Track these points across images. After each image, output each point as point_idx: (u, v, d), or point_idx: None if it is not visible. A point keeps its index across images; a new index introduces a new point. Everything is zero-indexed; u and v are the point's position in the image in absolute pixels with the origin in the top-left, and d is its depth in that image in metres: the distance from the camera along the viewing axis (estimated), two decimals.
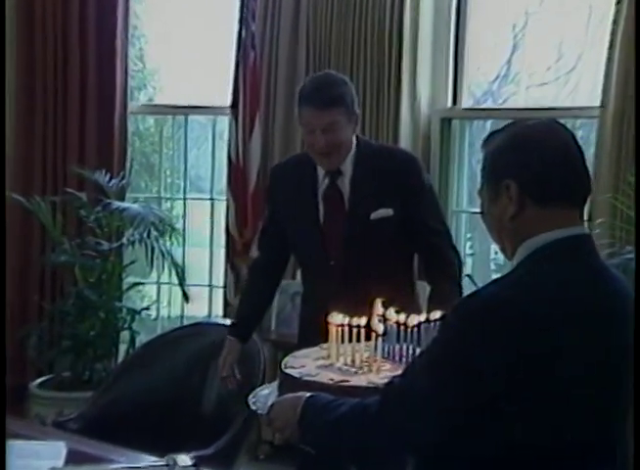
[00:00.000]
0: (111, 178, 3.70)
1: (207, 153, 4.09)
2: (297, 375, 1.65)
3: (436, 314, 1.80)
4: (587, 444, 1.21)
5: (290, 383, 1.62)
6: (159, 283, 4.10)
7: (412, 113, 3.46)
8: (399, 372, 1.34)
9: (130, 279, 3.80)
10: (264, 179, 3.59)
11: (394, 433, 1.24)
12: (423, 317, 1.78)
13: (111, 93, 3.85)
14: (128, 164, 3.90)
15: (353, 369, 1.70)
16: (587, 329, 1.22)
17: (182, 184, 4.16)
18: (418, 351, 1.68)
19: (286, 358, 1.75)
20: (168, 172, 4.34)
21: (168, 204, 4.26)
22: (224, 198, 3.74)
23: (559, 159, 1.30)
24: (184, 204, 4.07)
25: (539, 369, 1.19)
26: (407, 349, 1.74)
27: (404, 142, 3.48)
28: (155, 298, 4.13)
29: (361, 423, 1.27)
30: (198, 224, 4.14)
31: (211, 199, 4.01)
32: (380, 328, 1.72)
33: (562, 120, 1.37)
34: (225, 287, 3.70)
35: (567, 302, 1.23)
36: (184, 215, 4.05)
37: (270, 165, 3.60)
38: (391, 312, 1.79)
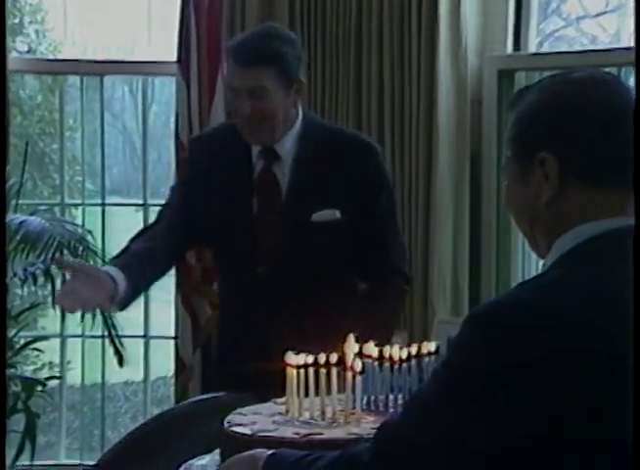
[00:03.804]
0: None
1: (137, 134, 3.91)
2: (249, 432, 1.67)
3: (431, 346, 1.82)
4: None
5: (238, 444, 1.63)
6: (62, 336, 3.72)
7: (454, 64, 3.26)
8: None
9: (23, 333, 3.52)
10: None
11: None
12: (413, 349, 1.78)
13: None
14: (18, 155, 3.57)
15: (323, 422, 1.71)
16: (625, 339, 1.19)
17: (97, 184, 3.87)
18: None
19: (229, 416, 1.76)
20: (68, 166, 4.06)
21: (73, 214, 3.91)
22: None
23: (613, 124, 1.26)
24: (102, 214, 3.73)
25: (590, 404, 1.17)
26: (396, 397, 1.76)
27: (444, 108, 3.23)
28: (57, 360, 3.82)
29: None
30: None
31: (145, 205, 3.67)
32: (357, 365, 1.73)
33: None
34: (177, 338, 3.41)
35: (608, 304, 1.20)
36: (102, 232, 3.72)
37: None
38: (371, 346, 1.80)
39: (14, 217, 3.27)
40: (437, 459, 1.21)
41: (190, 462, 1.77)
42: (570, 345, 1.17)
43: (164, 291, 3.61)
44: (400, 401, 1.74)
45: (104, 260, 3.50)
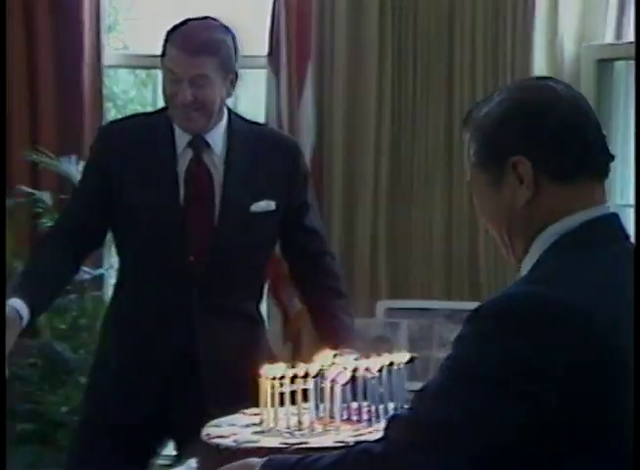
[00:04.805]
0: None
1: None
2: (233, 444, 1.67)
3: (404, 357, 1.87)
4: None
5: (221, 455, 1.63)
6: None
7: (551, 54, 3.24)
8: (372, 429, 1.46)
9: None
10: (321, 161, 3.46)
11: None
12: (386, 360, 1.83)
13: (74, 35, 3.53)
14: None
15: (303, 432, 1.74)
16: (629, 322, 1.28)
17: None
18: (382, 408, 1.78)
19: (205, 429, 1.77)
20: None
21: None
22: None
23: (576, 122, 1.38)
24: None
25: (599, 387, 1.24)
26: (369, 406, 1.78)
27: None
28: None
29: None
30: None
31: None
32: (344, 377, 1.76)
33: None
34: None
35: (610, 292, 1.30)
36: None
37: (329, 140, 3.42)
38: (348, 358, 1.88)
39: None
40: (447, 446, 1.26)
41: None
42: (581, 334, 1.24)
43: None
44: (373, 411, 1.78)
45: None
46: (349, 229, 3.47)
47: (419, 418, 1.30)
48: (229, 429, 1.77)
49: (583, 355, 1.23)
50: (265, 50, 3.43)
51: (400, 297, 3.35)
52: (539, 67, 3.23)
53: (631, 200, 3.34)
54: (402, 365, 1.85)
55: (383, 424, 1.64)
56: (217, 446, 1.68)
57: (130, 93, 4.29)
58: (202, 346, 2.30)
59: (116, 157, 2.36)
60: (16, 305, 2.19)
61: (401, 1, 3.39)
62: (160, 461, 3.45)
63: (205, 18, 2.38)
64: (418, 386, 1.38)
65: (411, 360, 1.87)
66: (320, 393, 1.77)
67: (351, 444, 1.59)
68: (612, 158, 1.40)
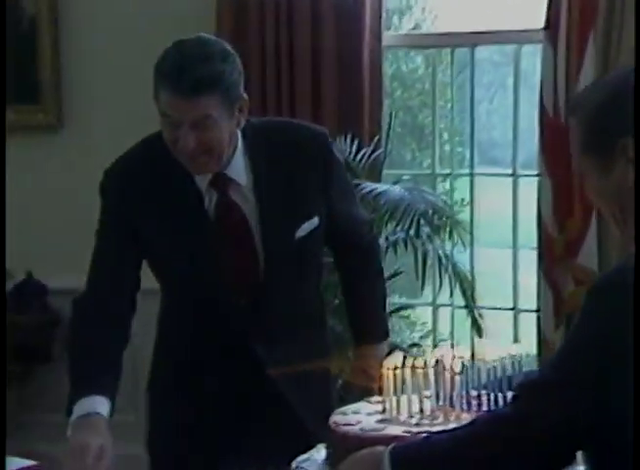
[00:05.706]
0: (359, 148, 3.46)
1: (507, 104, 3.83)
2: (359, 431, 1.77)
3: (522, 347, 1.89)
4: None
5: (348, 443, 1.74)
6: (434, 305, 3.81)
7: None
8: None
9: (394, 300, 3.64)
10: None
11: (548, 430, 1.41)
12: (504, 351, 1.85)
13: (356, 17, 3.57)
14: (385, 126, 3.61)
15: (425, 421, 1.80)
16: None
17: (467, 153, 3.95)
18: (502, 396, 1.80)
19: (333, 417, 1.85)
20: (446, 136, 4.19)
21: (446, 184, 4.02)
22: (534, 172, 3.50)
23: None
24: (471, 183, 3.75)
25: None
26: (489, 394, 1.81)
27: None
28: (430, 326, 3.94)
29: (493, 434, 1.45)
30: (492, 214, 3.97)
31: (514, 175, 3.67)
32: (456, 365, 1.81)
33: None
34: (538, 311, 3.42)
35: None
36: (471, 201, 3.76)
37: None
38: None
39: (372, 186, 3.26)
40: (561, 405, 1.40)
41: (299, 459, 1.87)
42: None
43: (526, 263, 3.61)
44: (493, 399, 1.82)
45: (471, 234, 3.62)
46: None
47: (539, 381, 1.48)
48: (354, 417, 1.85)
49: None
50: (542, 23, 3.32)
51: None
52: None
53: None
54: (523, 355, 1.89)
55: None
56: (345, 433, 1.78)
57: (417, 72, 4.37)
58: (277, 388, 2.16)
59: (136, 204, 2.11)
60: (99, 408, 1.97)
61: None
62: None
63: (201, 42, 2.01)
64: None
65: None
66: (440, 381, 1.84)
67: None
68: None
